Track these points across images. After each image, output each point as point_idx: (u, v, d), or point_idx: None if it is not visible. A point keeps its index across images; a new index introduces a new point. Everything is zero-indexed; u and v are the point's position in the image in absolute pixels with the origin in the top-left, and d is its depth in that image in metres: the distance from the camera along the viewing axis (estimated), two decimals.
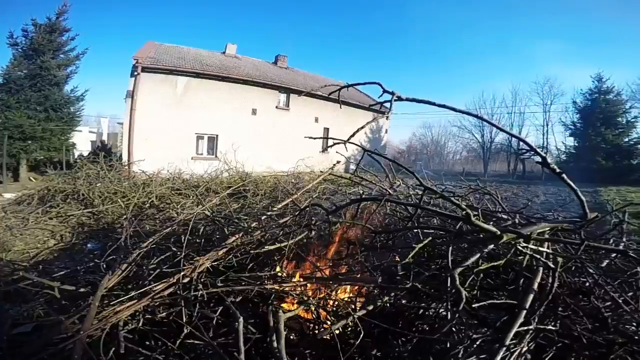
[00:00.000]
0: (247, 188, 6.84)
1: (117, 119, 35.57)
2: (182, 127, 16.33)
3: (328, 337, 1.62)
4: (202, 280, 1.98)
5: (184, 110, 16.37)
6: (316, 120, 20.26)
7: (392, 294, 1.74)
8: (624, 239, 2.92)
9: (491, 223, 2.17)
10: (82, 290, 2.28)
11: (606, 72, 26.54)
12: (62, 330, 1.71)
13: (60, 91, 17.67)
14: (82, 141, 24.83)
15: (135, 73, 15.15)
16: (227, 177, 8.56)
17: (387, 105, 1.77)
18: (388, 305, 1.73)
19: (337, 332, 1.58)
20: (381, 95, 1.68)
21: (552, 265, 1.42)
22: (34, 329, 2.18)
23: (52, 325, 1.98)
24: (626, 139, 24.74)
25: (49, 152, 16.95)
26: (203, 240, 2.68)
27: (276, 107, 19.13)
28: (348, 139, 1.73)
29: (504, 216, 2.40)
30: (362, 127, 1.76)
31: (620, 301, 1.67)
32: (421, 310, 1.75)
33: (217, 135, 17.40)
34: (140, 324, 1.80)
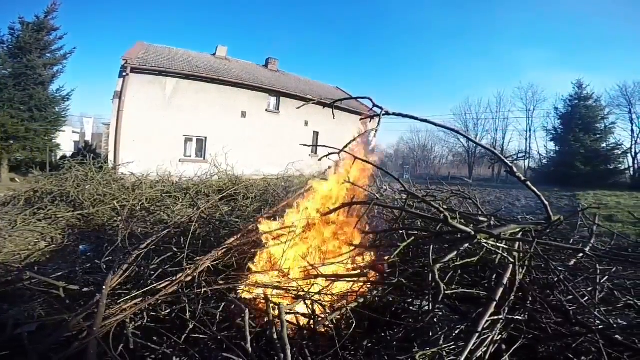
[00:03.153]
0: (238, 191, 6.93)
1: (101, 119, 34.93)
2: (170, 128, 16.22)
3: (323, 330, 1.78)
4: (203, 278, 2.11)
5: (173, 111, 16.27)
6: (306, 123, 20.44)
7: (380, 289, 1.91)
8: (592, 240, 3.15)
9: (471, 225, 2.37)
10: (85, 290, 2.38)
11: (586, 79, 27.53)
12: (70, 328, 1.81)
13: (45, 91, 17.35)
14: (64, 141, 24.35)
15: (124, 74, 14.99)
16: (217, 180, 8.61)
17: (378, 111, 1.94)
18: (377, 299, 1.90)
19: (331, 325, 1.74)
20: (371, 109, 1.85)
21: (512, 260, 1.61)
22: (38, 328, 2.26)
23: (57, 324, 2.07)
24: (604, 145, 25.67)
25: (31, 153, 16.59)
26: (201, 241, 2.80)
27: (266, 110, 19.22)
28: (342, 149, 1.89)
29: (482, 218, 2.60)
30: (355, 139, 1.93)
31: (579, 296, 1.87)
32: (406, 305, 1.93)
33: (205, 138, 17.35)
34: (145, 321, 1.92)
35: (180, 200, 6.91)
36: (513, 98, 42.27)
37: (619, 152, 25.41)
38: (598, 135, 25.71)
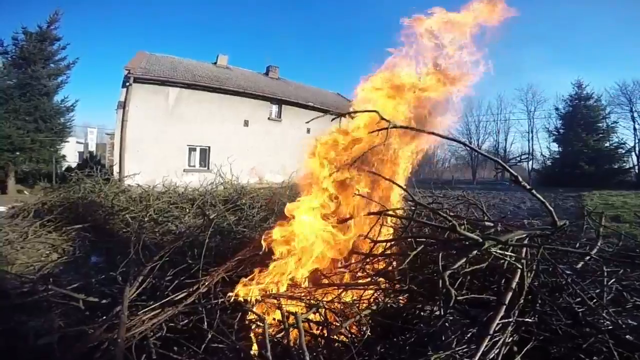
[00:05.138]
0: (244, 201, 7.00)
1: (104, 129, 35.23)
2: (173, 138, 16.33)
3: (337, 337, 1.83)
4: (218, 289, 2.17)
5: (176, 121, 16.40)
6: (308, 131, 20.54)
7: (392, 295, 1.96)
8: (599, 242, 3.17)
9: (477, 231, 2.42)
10: (104, 301, 2.44)
11: (585, 79, 27.45)
12: (95, 339, 1.86)
13: (49, 101, 17.42)
14: (69, 152, 24.52)
15: (127, 83, 15.12)
16: (223, 189, 8.67)
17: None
18: (388, 306, 1.95)
19: (345, 332, 1.79)
20: (378, 122, 1.92)
21: (519, 266, 1.66)
22: (59, 339, 2.32)
23: (78, 335, 2.13)
24: (607, 144, 25.55)
25: (37, 164, 16.67)
26: (214, 252, 2.86)
27: (268, 118, 19.34)
28: (352, 163, 1.96)
29: (489, 224, 2.64)
30: (365, 153, 1.99)
31: (587, 298, 1.91)
32: (417, 311, 1.98)
33: (209, 147, 17.44)
34: (165, 332, 1.97)
35: (187, 210, 6.97)
36: (514, 99, 42.24)
37: (623, 151, 25.29)
38: (600, 135, 25.59)
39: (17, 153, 15.85)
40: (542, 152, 32.96)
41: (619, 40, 61.01)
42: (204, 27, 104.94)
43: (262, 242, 2.32)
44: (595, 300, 2.05)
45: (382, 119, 1.88)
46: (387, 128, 1.85)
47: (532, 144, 34.77)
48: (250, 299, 2.13)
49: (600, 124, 26.04)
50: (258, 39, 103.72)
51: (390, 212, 2.15)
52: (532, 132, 34.68)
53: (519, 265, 1.70)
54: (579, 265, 2.56)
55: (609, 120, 26.34)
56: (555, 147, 29.14)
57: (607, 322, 1.91)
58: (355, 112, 2.06)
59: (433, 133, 1.93)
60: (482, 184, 28.76)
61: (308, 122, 2.31)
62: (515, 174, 1.76)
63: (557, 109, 28.95)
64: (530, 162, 33.85)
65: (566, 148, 26.53)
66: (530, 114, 34.63)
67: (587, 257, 2.60)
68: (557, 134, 28.39)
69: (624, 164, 25.53)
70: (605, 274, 2.19)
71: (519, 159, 35.26)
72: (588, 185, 20.14)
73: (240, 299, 2.06)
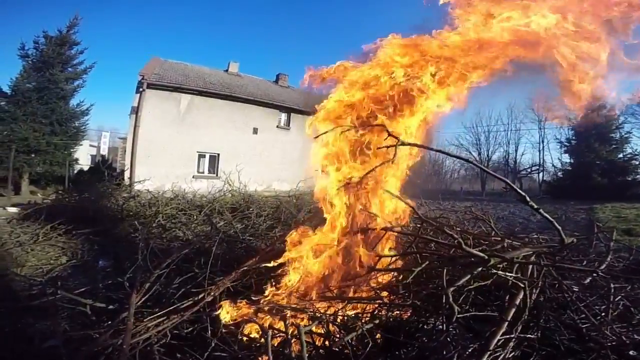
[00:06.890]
0: (251, 209, 7.04)
1: (117, 133, 35.83)
2: (184, 145, 16.52)
3: (339, 349, 1.83)
4: (223, 299, 2.19)
5: (187, 127, 16.61)
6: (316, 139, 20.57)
7: (395, 310, 1.96)
8: (609, 257, 3.11)
9: (484, 246, 2.41)
10: (110, 307, 2.48)
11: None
12: (101, 343, 1.89)
13: (66, 105, 17.82)
14: (81, 155, 24.95)
15: (141, 89, 15.39)
16: (231, 197, 8.72)
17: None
18: (391, 320, 1.95)
19: (347, 344, 1.79)
20: (386, 139, 1.93)
21: (522, 285, 1.65)
22: (64, 342, 2.35)
23: (83, 339, 2.17)
24: (620, 155, 24.95)
25: (51, 166, 16.99)
26: (220, 261, 2.89)
27: (277, 126, 19.46)
28: (361, 178, 1.98)
29: (496, 239, 2.62)
30: (375, 168, 2.00)
31: (592, 314, 1.89)
32: (420, 325, 1.97)
33: (218, 154, 17.59)
34: (169, 339, 2.00)
35: (195, 217, 7.03)
36: (524, 109, 41.31)
37: (637, 162, 24.67)
38: (613, 146, 25.02)
39: (33, 155, 16.21)
40: (554, 163, 32.21)
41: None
42: (217, 34, 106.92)
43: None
44: (599, 316, 2.02)
45: (390, 134, 1.89)
46: (395, 145, 1.86)
47: (543, 155, 34.04)
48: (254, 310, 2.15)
49: (613, 135, 25.49)
50: (269, 47, 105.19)
51: (397, 229, 2.16)
52: (543, 142, 34.03)
53: (521, 285, 1.69)
54: (587, 281, 2.52)
55: (623, 131, 25.76)
56: (566, 158, 28.52)
57: (612, 337, 1.88)
58: (363, 126, 2.09)
59: (441, 151, 1.95)
60: (491, 195, 28.35)
61: (317, 137, 2.34)
62: (523, 193, 1.76)
63: (568, 119, 28.38)
64: (541, 174, 33.24)
65: (578, 159, 25.97)
66: (541, 124, 33.95)
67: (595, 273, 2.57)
68: (568, 144, 27.86)
69: (638, 176, 24.88)
70: (612, 290, 2.15)
71: (529, 170, 34.70)
72: (600, 197, 19.66)
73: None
